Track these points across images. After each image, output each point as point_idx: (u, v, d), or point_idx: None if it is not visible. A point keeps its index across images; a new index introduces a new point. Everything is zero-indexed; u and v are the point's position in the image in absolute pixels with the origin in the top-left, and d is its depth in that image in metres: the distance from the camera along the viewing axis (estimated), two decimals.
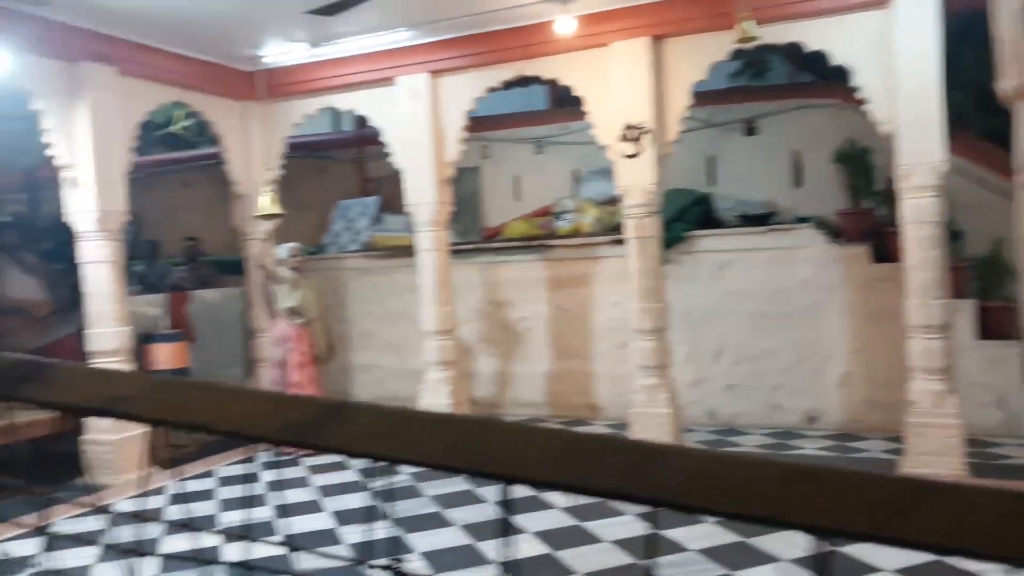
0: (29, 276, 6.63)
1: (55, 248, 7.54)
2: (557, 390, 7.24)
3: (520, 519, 4.44)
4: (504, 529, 0.65)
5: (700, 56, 5.57)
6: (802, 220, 6.59)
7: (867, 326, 6.15)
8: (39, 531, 4.31)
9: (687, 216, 6.83)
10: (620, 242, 6.32)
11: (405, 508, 4.77)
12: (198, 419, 0.79)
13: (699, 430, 6.42)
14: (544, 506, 4.64)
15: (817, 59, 5.44)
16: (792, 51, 6.09)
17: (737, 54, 5.78)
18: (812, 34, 5.22)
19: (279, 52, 6.35)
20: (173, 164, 9.49)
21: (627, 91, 5.67)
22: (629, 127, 5.66)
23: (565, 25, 5.35)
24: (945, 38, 4.85)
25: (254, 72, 6.72)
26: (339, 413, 0.75)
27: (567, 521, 4.44)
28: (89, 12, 5.25)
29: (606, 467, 0.64)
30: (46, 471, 5.33)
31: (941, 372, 4.91)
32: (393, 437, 0.74)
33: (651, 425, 5.66)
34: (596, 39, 5.68)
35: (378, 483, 5.25)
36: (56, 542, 4.25)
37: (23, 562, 4.03)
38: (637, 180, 5.71)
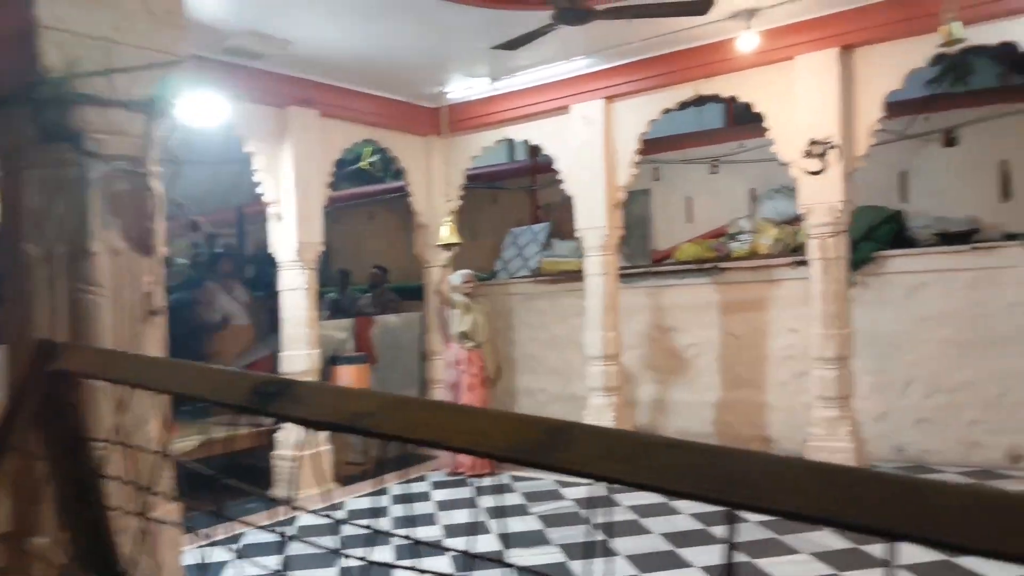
0: (236, 302, 7.33)
1: (257, 277, 8.31)
2: (726, 420, 6.95)
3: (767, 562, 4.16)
4: (728, 562, 0.63)
5: (895, 64, 5.23)
6: (1011, 237, 5.96)
7: None
8: (233, 539, 4.69)
9: (876, 235, 6.38)
10: (801, 264, 6.02)
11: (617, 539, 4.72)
12: (431, 436, 0.84)
13: (884, 466, 5.92)
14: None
15: None
16: (1002, 52, 5.56)
17: (936, 59, 5.36)
18: None
19: (462, 88, 6.67)
20: (360, 198, 10.19)
21: (812, 105, 5.43)
22: (814, 142, 5.40)
23: (748, 42, 5.22)
24: None
25: (438, 108, 7.09)
26: (564, 435, 0.77)
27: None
28: (297, 62, 5.78)
29: (864, 500, 0.61)
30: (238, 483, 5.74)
31: None
32: (619, 460, 0.75)
33: (830, 460, 5.27)
34: (780, 53, 5.49)
35: (596, 512, 5.26)
36: (248, 550, 4.57)
37: (218, 568, 4.30)
38: (822, 198, 5.43)
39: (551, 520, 5.09)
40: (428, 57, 5.97)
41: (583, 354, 6.62)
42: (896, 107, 5.55)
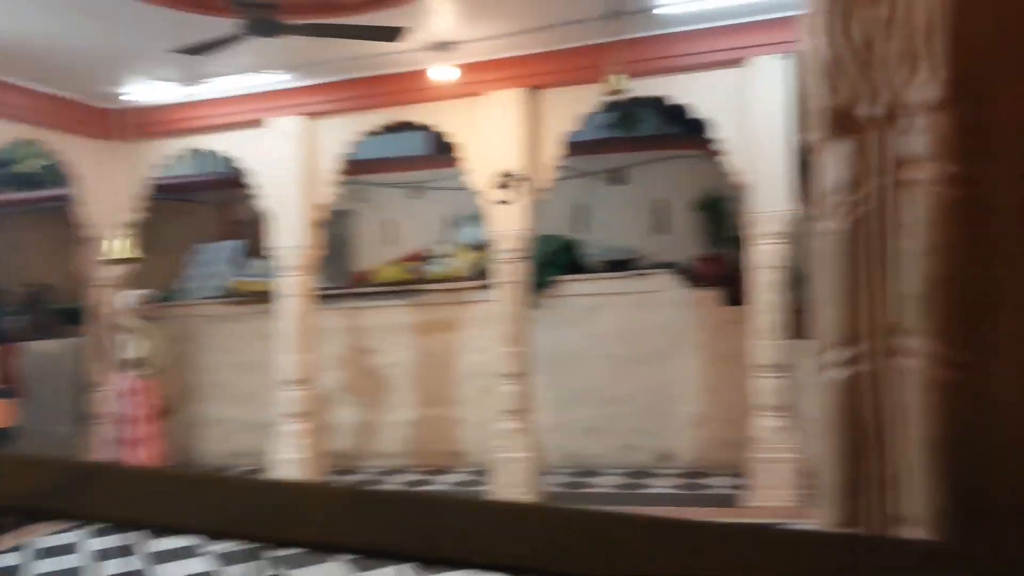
0: None
1: None
2: (420, 438, 7.12)
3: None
4: None
5: (573, 107, 5.70)
6: (664, 266, 6.86)
7: (717, 367, 6.42)
8: None
9: (557, 261, 6.96)
10: (488, 287, 6.36)
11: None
12: None
13: (559, 473, 6.45)
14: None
15: (685, 111, 5.70)
16: (662, 104, 6.38)
17: (612, 106, 5.99)
18: (676, 88, 5.48)
19: (143, 91, 6.09)
20: (20, 205, 8.83)
21: (501, 139, 5.74)
22: (503, 174, 5.73)
23: (441, 73, 5.37)
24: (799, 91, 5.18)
25: (114, 110, 6.40)
26: (91, 477, 0.67)
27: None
28: None
29: (378, 525, 0.60)
30: None
31: (782, 409, 5.18)
32: (149, 501, 0.67)
33: (512, 470, 5.66)
34: (473, 88, 5.73)
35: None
36: None
37: None
38: (509, 226, 5.78)
39: (230, 558, 4.76)
40: (103, 54, 5.37)
41: (273, 379, 6.33)
42: (576, 146, 6.09)
